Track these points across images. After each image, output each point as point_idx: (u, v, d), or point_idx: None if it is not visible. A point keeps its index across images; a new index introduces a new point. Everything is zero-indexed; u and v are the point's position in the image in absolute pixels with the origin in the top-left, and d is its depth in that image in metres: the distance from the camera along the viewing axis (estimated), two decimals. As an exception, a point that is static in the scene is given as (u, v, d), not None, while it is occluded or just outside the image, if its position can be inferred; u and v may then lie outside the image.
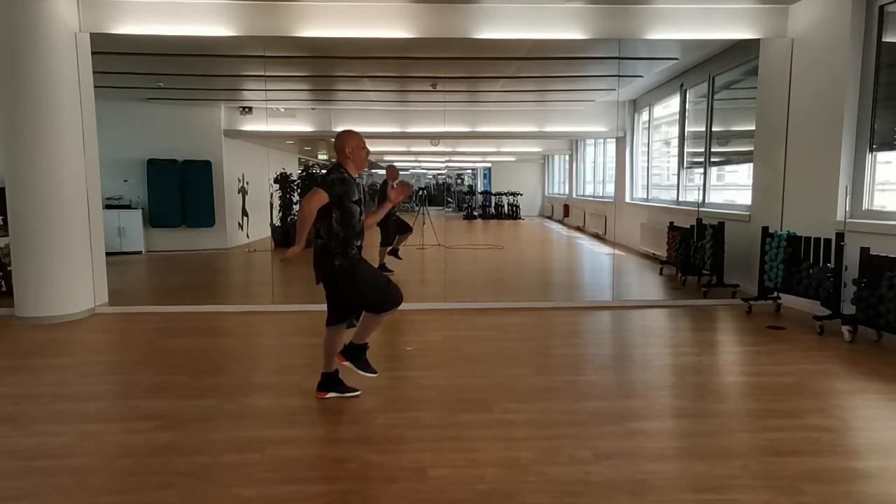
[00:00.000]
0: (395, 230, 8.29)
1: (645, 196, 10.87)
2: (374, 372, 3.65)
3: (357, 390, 3.63)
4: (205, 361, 4.45)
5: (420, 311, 5.97)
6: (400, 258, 8.55)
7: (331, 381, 3.63)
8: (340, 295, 3.48)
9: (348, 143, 3.43)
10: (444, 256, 9.62)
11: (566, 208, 15.13)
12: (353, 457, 2.86)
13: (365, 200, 3.59)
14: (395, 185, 7.85)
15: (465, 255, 10.59)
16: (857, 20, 5.26)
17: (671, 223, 7.88)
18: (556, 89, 9.85)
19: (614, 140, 11.64)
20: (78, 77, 5.70)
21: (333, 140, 3.53)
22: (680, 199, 9.05)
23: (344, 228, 3.35)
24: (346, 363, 3.60)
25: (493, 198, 16.98)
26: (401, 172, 8.67)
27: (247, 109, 11.25)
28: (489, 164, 17.33)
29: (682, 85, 8.96)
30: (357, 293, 3.45)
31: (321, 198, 3.26)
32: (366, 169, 3.54)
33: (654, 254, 9.17)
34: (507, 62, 7.64)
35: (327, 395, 3.62)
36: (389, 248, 8.32)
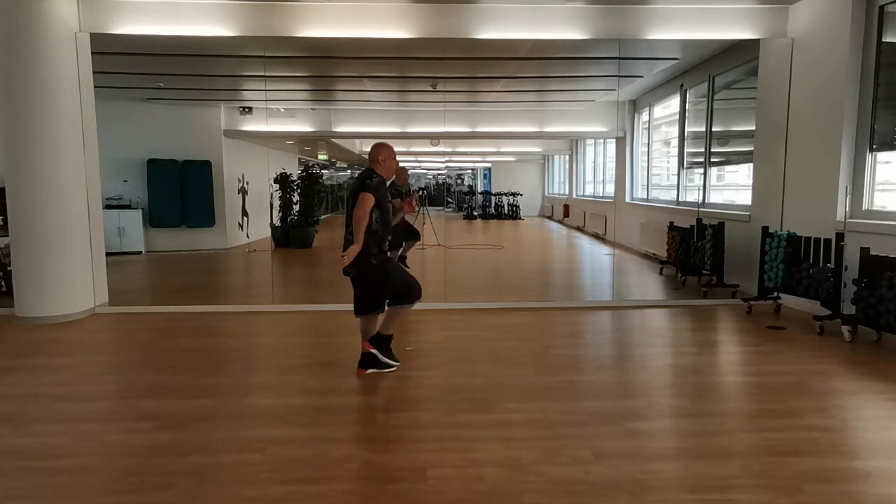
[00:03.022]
0: (403, 234, 8.15)
1: (645, 196, 10.87)
2: (397, 361, 4.00)
3: (397, 362, 4.03)
4: (205, 361, 4.45)
5: (420, 311, 5.95)
6: (407, 266, 8.30)
7: (380, 343, 3.97)
8: (373, 290, 3.88)
9: (381, 153, 3.89)
10: (444, 256, 9.62)
11: (566, 208, 15.13)
12: (353, 457, 2.87)
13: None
14: (402, 190, 7.75)
15: (465, 255, 10.59)
16: (857, 20, 5.26)
17: (671, 223, 7.87)
18: (556, 89, 9.85)
19: (614, 140, 11.64)
20: (78, 77, 5.70)
21: (369, 151, 3.99)
22: (680, 199, 9.04)
23: (382, 226, 3.79)
24: (373, 350, 3.95)
25: (493, 198, 16.98)
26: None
27: (247, 109, 11.25)
28: (489, 165, 17.33)
29: (682, 85, 8.96)
30: (387, 286, 3.86)
31: (371, 201, 3.68)
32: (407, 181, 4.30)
33: (654, 254, 9.17)
34: (507, 62, 7.64)
35: (367, 371, 3.95)
36: (400, 252, 8.20)
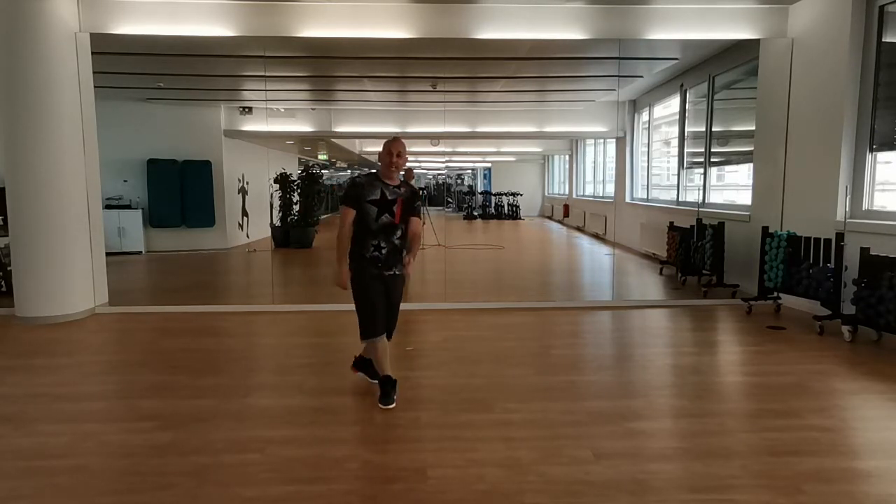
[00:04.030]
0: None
1: (645, 196, 10.87)
2: (386, 404, 3.53)
3: (391, 405, 3.51)
4: (205, 361, 4.45)
5: (420, 311, 5.97)
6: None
7: (366, 363, 3.75)
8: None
9: (381, 152, 3.54)
10: (444, 256, 9.62)
11: (566, 208, 15.12)
12: (353, 457, 2.87)
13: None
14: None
15: (465, 255, 10.59)
16: (857, 20, 5.26)
17: (671, 223, 7.87)
18: (556, 89, 9.85)
19: (614, 140, 11.64)
20: (78, 77, 5.70)
21: None
22: (680, 199, 9.04)
23: (359, 227, 3.45)
24: (359, 374, 3.82)
25: (493, 198, 16.99)
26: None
27: (247, 109, 11.25)
28: (489, 165, 17.33)
29: (682, 85, 8.95)
30: (355, 300, 3.55)
31: (348, 212, 3.45)
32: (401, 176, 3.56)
33: (654, 254, 9.17)
34: (507, 62, 7.64)
35: (358, 373, 3.83)
36: None
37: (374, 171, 3.61)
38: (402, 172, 3.64)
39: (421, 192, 16.46)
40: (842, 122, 5.37)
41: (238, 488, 2.57)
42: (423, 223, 3.73)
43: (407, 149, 3.53)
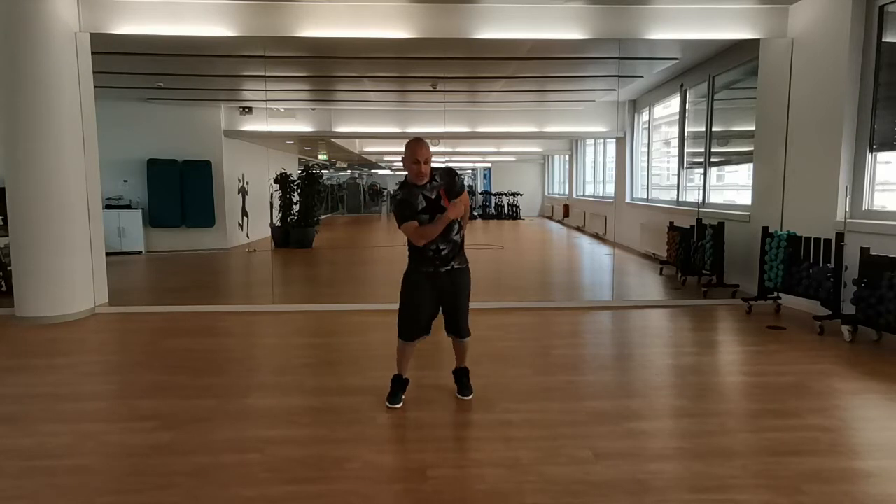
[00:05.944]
0: None
1: (645, 196, 10.87)
2: (392, 404, 3.50)
3: (398, 405, 3.50)
4: (205, 361, 4.44)
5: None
6: None
7: (392, 382, 3.60)
8: None
9: (405, 155, 3.36)
10: (444, 256, 9.60)
11: (566, 208, 15.14)
12: (353, 457, 2.86)
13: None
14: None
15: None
16: (857, 20, 5.26)
17: (671, 223, 7.88)
18: (556, 89, 9.85)
19: (614, 140, 11.64)
20: (78, 77, 5.70)
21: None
22: (680, 199, 9.05)
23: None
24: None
25: (493, 198, 17.01)
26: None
27: (247, 109, 11.25)
28: (489, 165, 17.35)
29: (682, 85, 8.96)
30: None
31: (409, 225, 3.32)
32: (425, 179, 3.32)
33: (654, 254, 9.17)
34: (507, 62, 7.64)
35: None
36: None
37: (403, 186, 3.44)
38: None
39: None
40: (842, 122, 5.38)
41: (238, 488, 2.57)
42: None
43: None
